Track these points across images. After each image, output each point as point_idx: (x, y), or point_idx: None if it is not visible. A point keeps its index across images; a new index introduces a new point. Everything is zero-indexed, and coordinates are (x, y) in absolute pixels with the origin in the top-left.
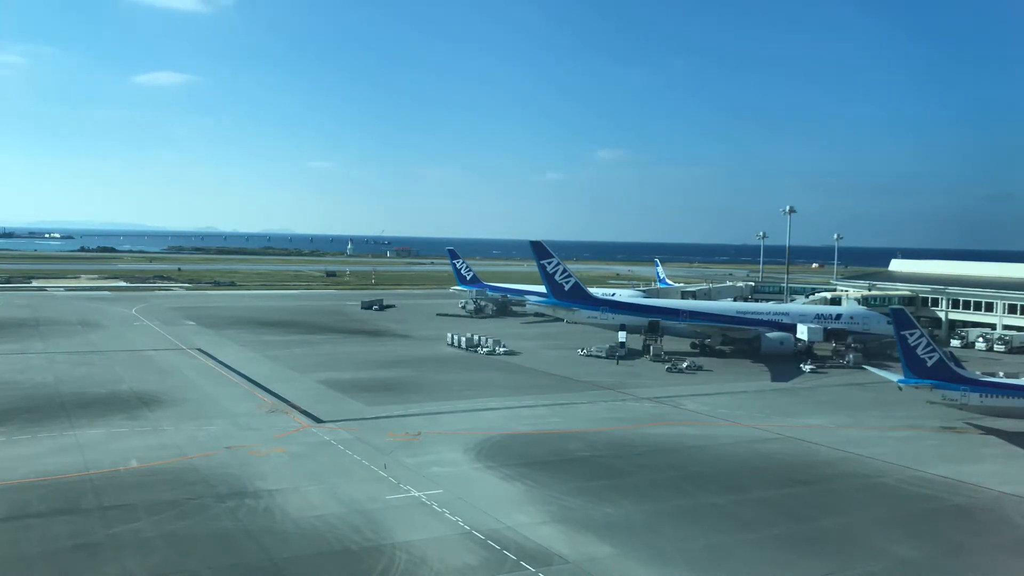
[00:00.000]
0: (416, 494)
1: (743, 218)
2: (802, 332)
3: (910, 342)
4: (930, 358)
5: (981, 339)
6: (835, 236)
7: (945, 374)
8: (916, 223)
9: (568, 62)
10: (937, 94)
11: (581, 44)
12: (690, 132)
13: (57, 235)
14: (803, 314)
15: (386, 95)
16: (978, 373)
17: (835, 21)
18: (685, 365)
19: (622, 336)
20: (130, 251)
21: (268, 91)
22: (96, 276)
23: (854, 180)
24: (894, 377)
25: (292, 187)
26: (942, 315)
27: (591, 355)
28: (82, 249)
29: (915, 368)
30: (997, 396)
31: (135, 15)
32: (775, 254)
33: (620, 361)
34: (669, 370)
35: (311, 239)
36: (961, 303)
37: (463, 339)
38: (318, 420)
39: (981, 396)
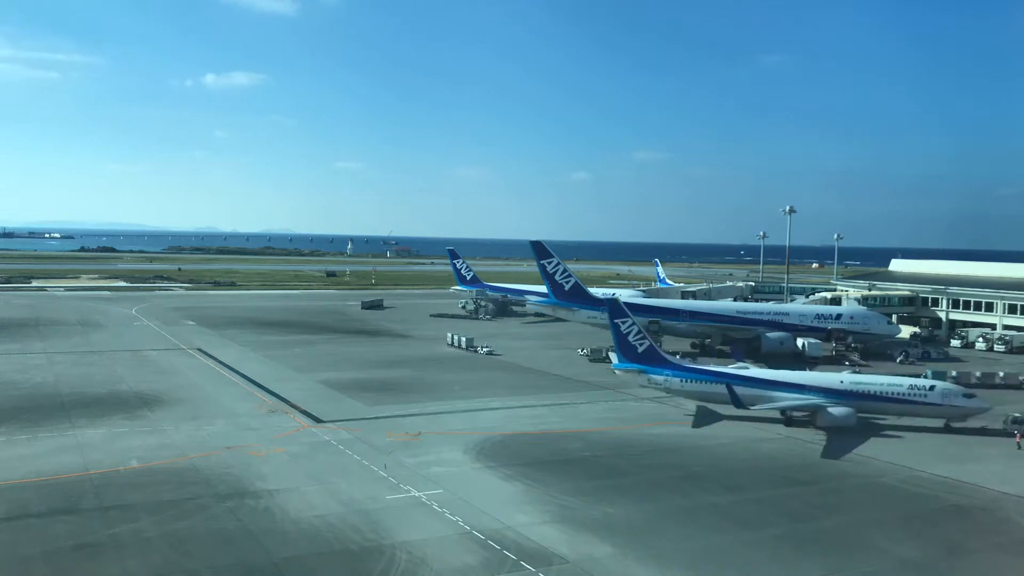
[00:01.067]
0: (416, 494)
1: (748, 218)
2: (802, 346)
3: (622, 330)
4: (640, 345)
5: (981, 339)
6: (835, 236)
7: (653, 360)
8: (916, 223)
9: (579, 64)
10: (946, 93)
11: (593, 44)
12: (693, 131)
13: (57, 235)
14: (803, 314)
15: (413, 101)
16: (680, 358)
17: (852, 25)
18: None
19: None
20: (130, 251)
21: (321, 93)
22: (96, 276)
23: (868, 179)
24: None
25: (321, 188)
26: (942, 315)
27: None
28: (82, 249)
29: (627, 353)
30: (693, 381)
31: (229, 16)
32: (777, 254)
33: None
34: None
35: (311, 239)
36: (961, 303)
37: (463, 339)
38: (318, 420)
39: (682, 381)
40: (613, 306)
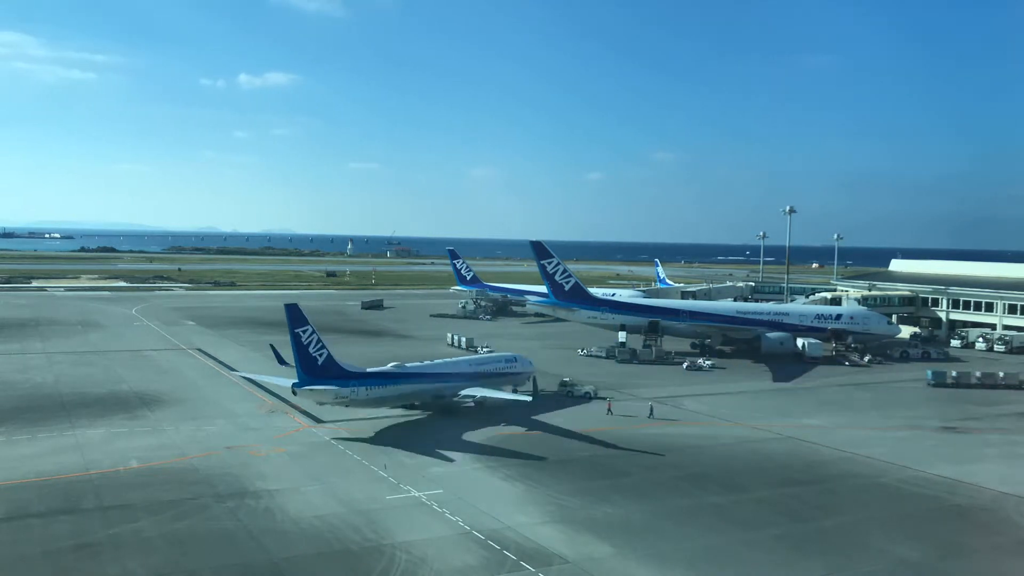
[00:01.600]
0: (416, 494)
1: (754, 218)
2: (802, 346)
3: (303, 340)
4: (320, 356)
5: (981, 339)
6: (835, 236)
7: (334, 372)
8: (924, 224)
9: (587, 67)
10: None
11: (604, 48)
12: (704, 132)
13: (57, 235)
14: (803, 314)
15: (431, 102)
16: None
17: (864, 26)
18: (685, 366)
19: (622, 336)
20: (130, 251)
21: (347, 94)
22: (96, 276)
23: (877, 180)
24: (288, 382)
25: (333, 189)
26: (942, 315)
27: (591, 355)
28: (82, 249)
29: (309, 370)
30: (382, 386)
31: (276, 17)
32: (781, 254)
33: (638, 361)
34: (689, 367)
35: (311, 239)
36: (961, 303)
37: (463, 339)
38: (318, 420)
39: (367, 389)
40: (292, 312)
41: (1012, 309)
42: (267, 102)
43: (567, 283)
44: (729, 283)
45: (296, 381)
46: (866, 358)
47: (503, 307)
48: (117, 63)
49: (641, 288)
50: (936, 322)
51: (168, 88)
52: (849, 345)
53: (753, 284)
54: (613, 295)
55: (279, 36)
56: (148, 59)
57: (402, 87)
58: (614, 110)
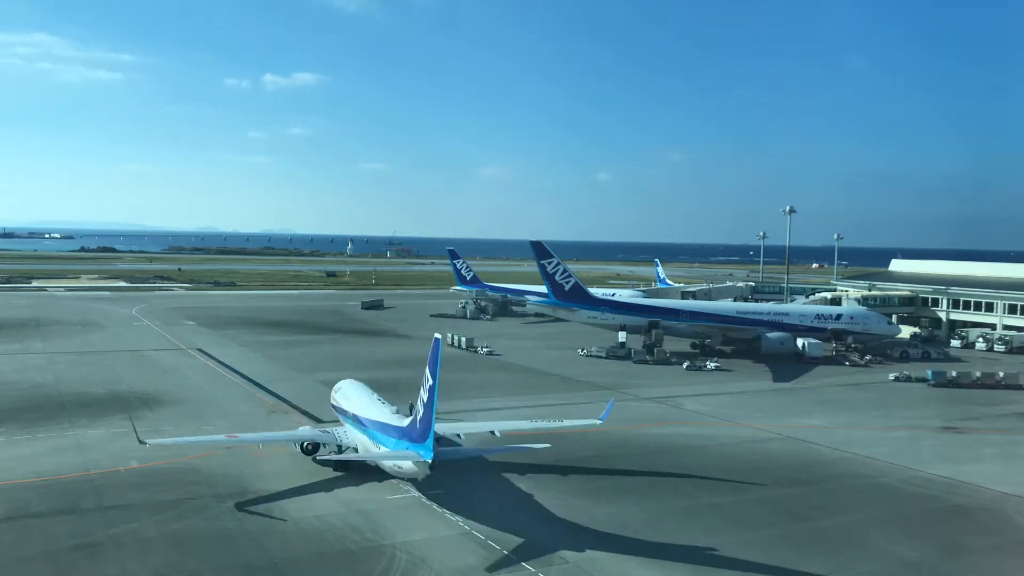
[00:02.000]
0: (416, 494)
1: (758, 219)
2: (802, 346)
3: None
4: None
5: (981, 339)
6: (835, 236)
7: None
8: (928, 224)
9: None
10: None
11: (609, 52)
12: (710, 134)
13: (57, 235)
14: (803, 314)
15: (443, 104)
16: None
17: (876, 34)
18: (685, 366)
19: (622, 336)
20: (130, 251)
21: (364, 94)
22: (96, 276)
23: (881, 180)
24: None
25: (340, 189)
26: (942, 315)
27: (591, 355)
28: (82, 249)
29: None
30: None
31: (316, 18)
32: (778, 254)
33: (637, 362)
34: (688, 368)
35: (311, 239)
36: (961, 303)
37: (463, 339)
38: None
39: None
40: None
41: (1012, 309)
42: (288, 102)
43: (567, 283)
44: (729, 283)
45: (430, 451)
46: (866, 358)
47: (503, 307)
48: (145, 63)
49: (641, 288)
50: (936, 322)
51: (190, 88)
52: (849, 345)
53: (753, 284)
54: (613, 295)
55: (313, 36)
56: (177, 59)
57: (417, 89)
58: (618, 111)
